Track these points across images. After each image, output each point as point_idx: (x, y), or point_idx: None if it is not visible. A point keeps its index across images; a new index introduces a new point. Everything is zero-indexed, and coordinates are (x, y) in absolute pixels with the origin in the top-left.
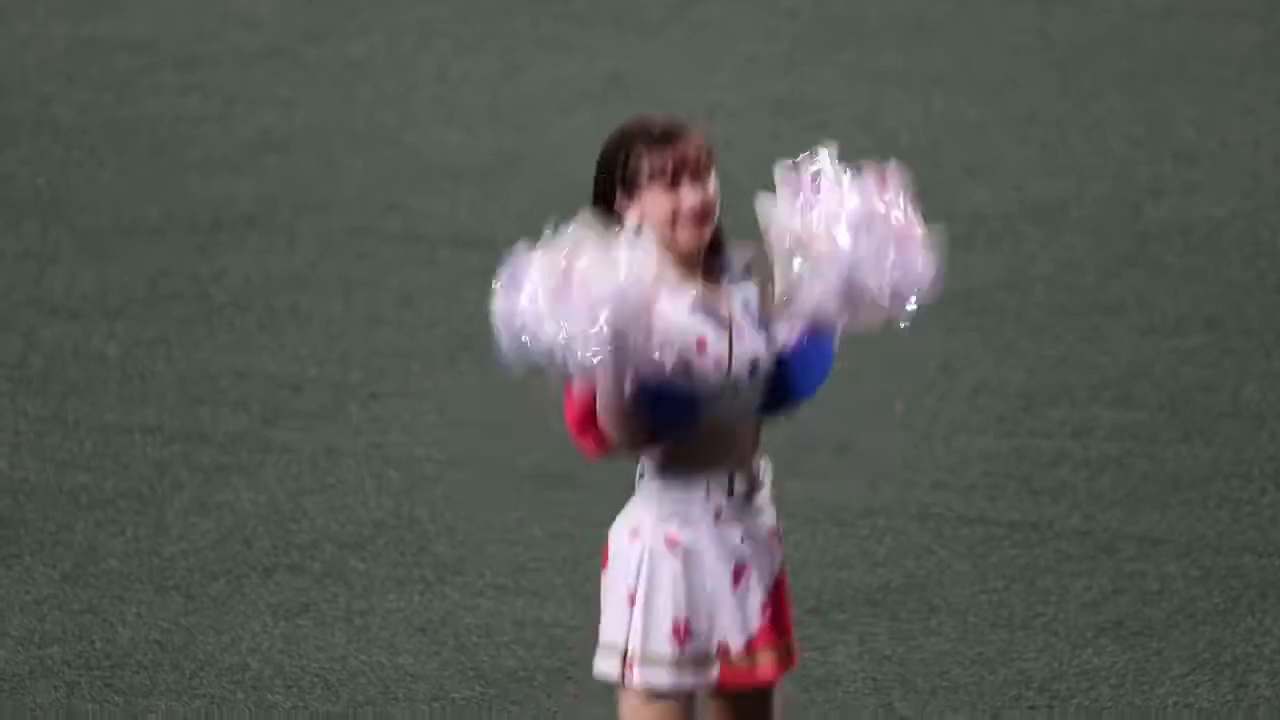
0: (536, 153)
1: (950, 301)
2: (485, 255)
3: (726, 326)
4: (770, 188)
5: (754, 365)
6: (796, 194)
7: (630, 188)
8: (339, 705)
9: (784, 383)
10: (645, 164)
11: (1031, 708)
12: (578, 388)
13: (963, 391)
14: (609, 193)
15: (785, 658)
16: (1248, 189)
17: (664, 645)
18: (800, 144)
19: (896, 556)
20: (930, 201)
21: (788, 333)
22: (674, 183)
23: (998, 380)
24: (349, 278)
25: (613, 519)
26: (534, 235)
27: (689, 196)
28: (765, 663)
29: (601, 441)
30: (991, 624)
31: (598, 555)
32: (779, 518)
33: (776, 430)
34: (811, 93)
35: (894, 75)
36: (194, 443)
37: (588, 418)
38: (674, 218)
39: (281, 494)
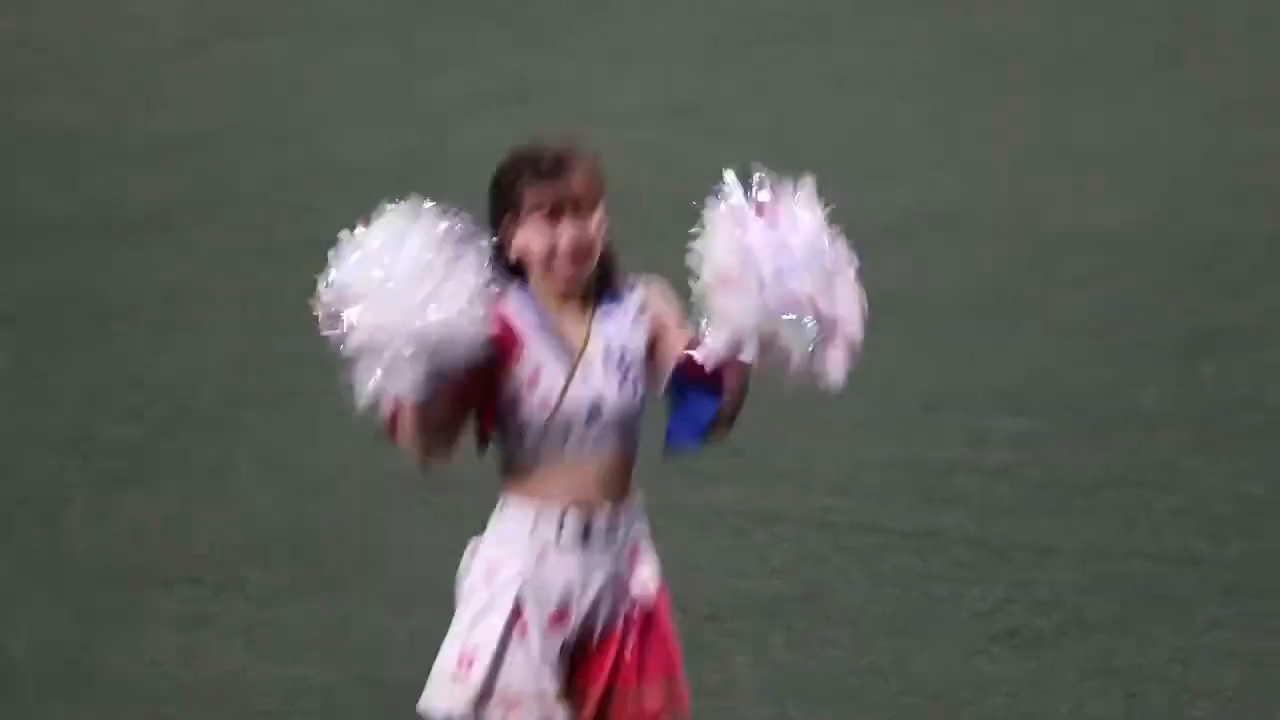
0: (443, 156)
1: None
2: None
3: (571, 361)
4: (673, 198)
5: (594, 408)
6: (730, 227)
7: (514, 214)
8: (237, 717)
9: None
10: (528, 196)
11: (926, 716)
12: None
13: (860, 397)
14: (499, 214)
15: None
16: (1145, 194)
17: (448, 670)
18: (703, 149)
19: (792, 564)
20: (828, 206)
21: (663, 380)
22: (554, 217)
23: (894, 386)
24: (247, 283)
25: None
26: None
27: (567, 232)
28: (562, 713)
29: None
30: (886, 632)
31: None
32: (638, 563)
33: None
34: (715, 97)
35: (796, 79)
36: (89, 451)
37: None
38: (550, 256)
39: (178, 504)
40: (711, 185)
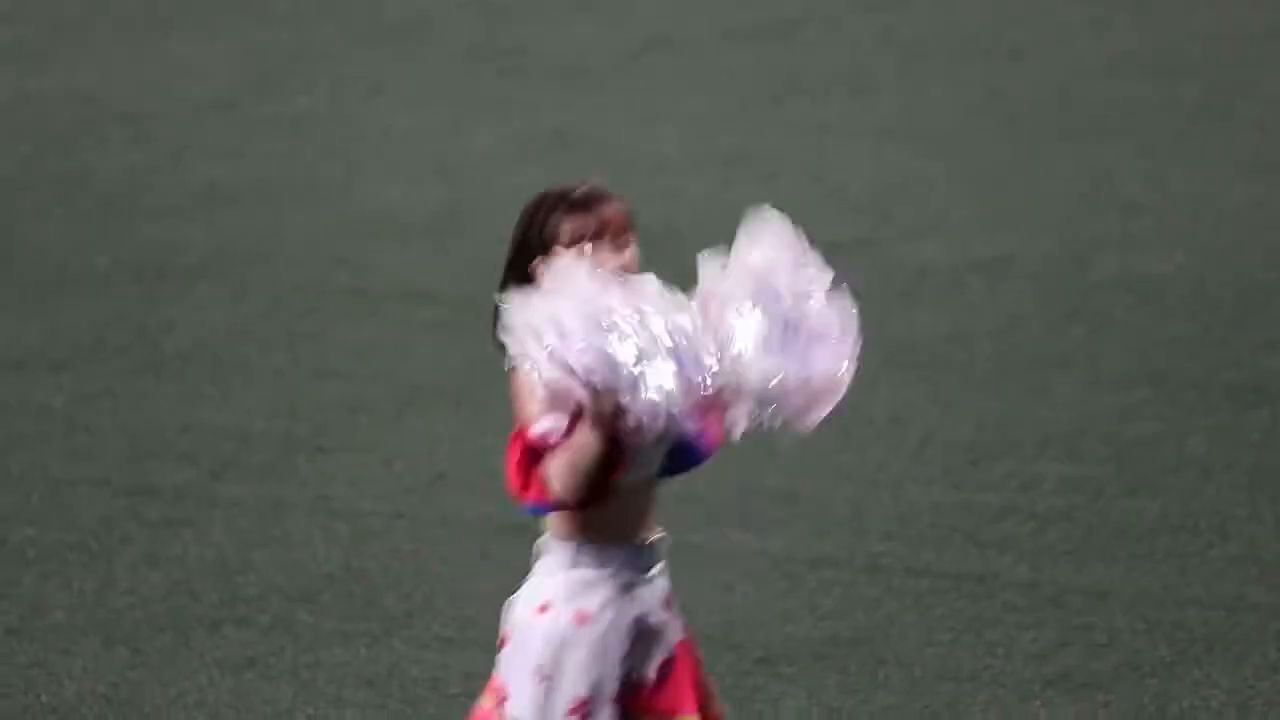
0: (482, 207)
1: (897, 354)
2: (432, 309)
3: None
4: (716, 243)
5: (657, 441)
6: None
7: (546, 253)
8: None
9: (684, 445)
10: (564, 228)
11: None
12: (541, 433)
13: (910, 444)
14: (525, 258)
15: None
16: (1192, 243)
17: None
18: (747, 198)
19: (844, 608)
20: (876, 255)
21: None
22: (593, 248)
23: (944, 433)
24: (296, 330)
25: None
26: (479, 289)
27: (608, 263)
28: None
29: (541, 494)
30: (938, 676)
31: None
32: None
33: (724, 481)
34: (758, 146)
35: (840, 129)
36: (141, 496)
37: (532, 468)
38: None
39: (229, 547)
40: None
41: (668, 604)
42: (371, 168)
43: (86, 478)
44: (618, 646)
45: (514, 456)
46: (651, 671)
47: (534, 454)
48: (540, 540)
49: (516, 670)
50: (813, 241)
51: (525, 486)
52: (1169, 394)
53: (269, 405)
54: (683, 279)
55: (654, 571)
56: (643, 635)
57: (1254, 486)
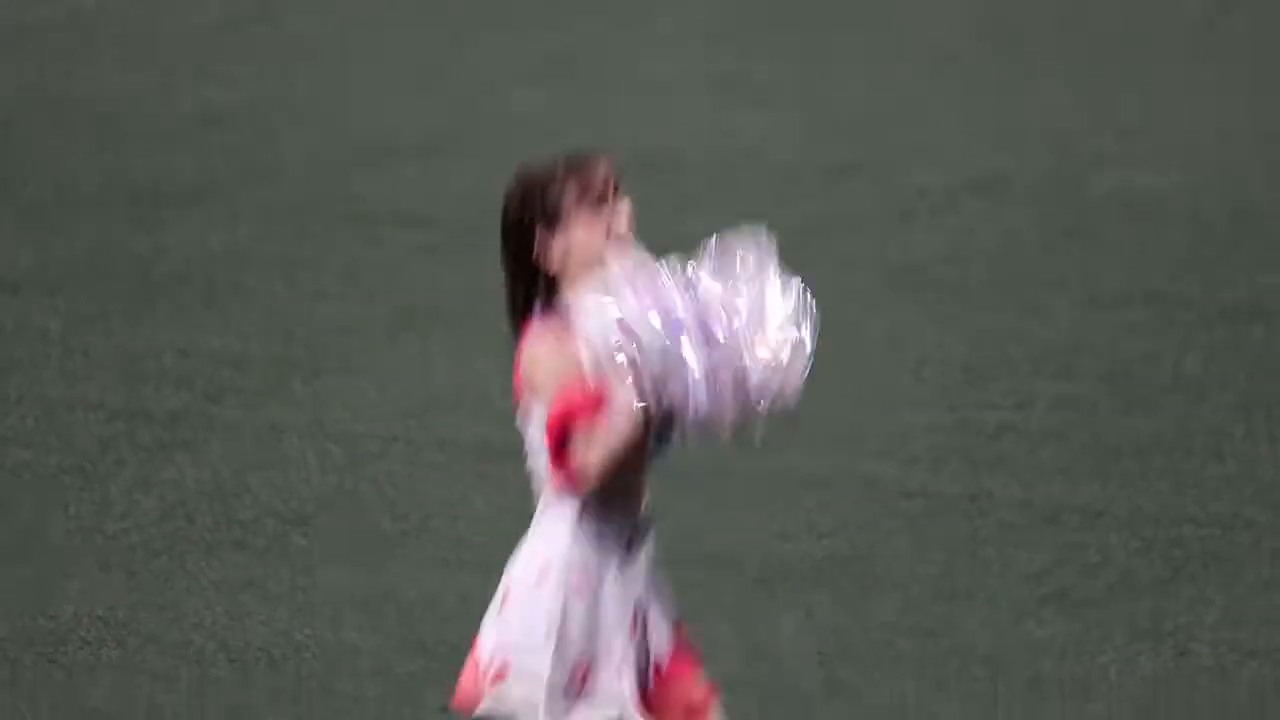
0: (479, 130)
1: (894, 276)
2: (427, 232)
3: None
4: (711, 168)
5: (668, 413)
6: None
7: (553, 220)
8: (283, 680)
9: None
10: (569, 194)
11: (974, 679)
12: (574, 406)
13: (907, 364)
14: (524, 239)
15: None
16: (1188, 163)
17: (566, 688)
18: (742, 121)
19: (841, 527)
20: (872, 178)
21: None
22: (600, 202)
23: (941, 353)
24: (290, 254)
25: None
26: (475, 213)
27: (618, 215)
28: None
29: (570, 475)
30: (934, 595)
31: None
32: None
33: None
34: (756, 70)
35: (837, 52)
36: (137, 419)
37: (568, 447)
38: (608, 233)
39: (224, 471)
40: (754, 153)
41: (653, 570)
42: (367, 91)
43: (82, 401)
44: (618, 617)
45: (555, 433)
46: (663, 638)
47: (567, 430)
48: (543, 496)
49: (520, 642)
50: (812, 164)
51: (561, 465)
52: (1165, 312)
53: (264, 329)
54: (679, 201)
55: (643, 541)
56: (645, 603)
57: (1249, 405)
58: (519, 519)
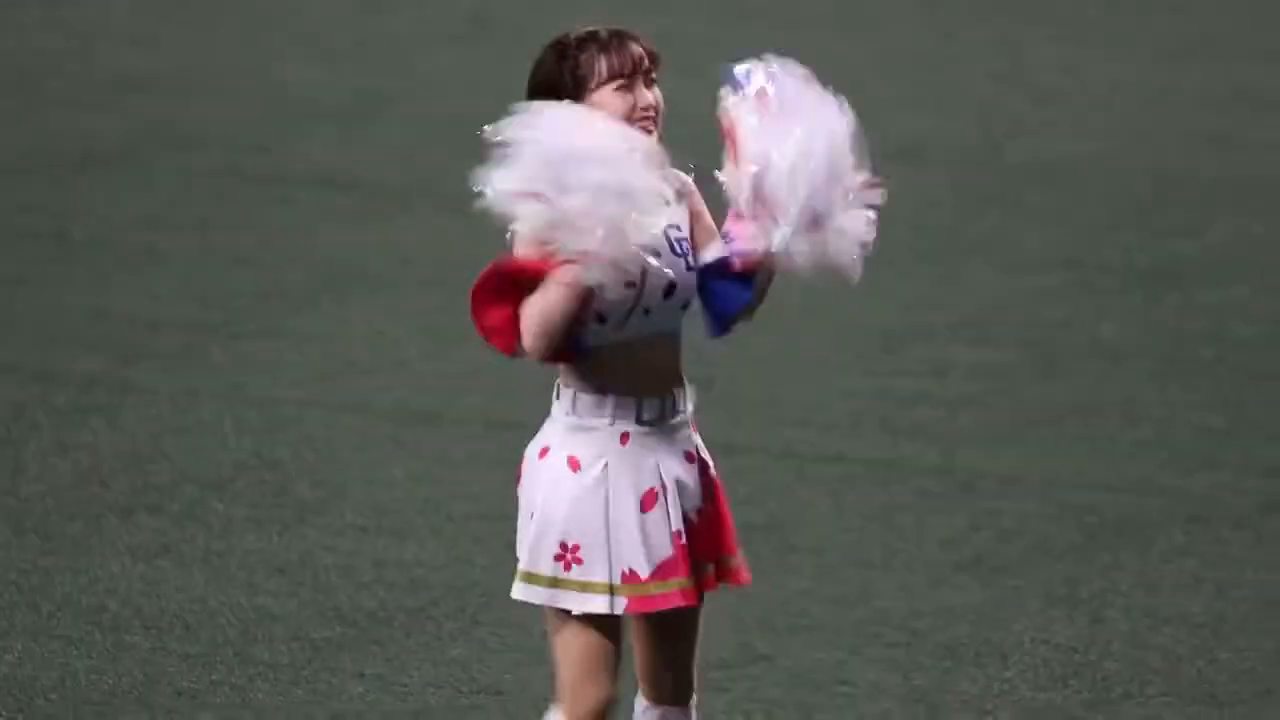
0: (399, 92)
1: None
2: (347, 195)
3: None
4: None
5: (670, 287)
6: (761, 103)
7: (579, 92)
8: (198, 646)
9: (704, 302)
10: (599, 65)
11: (890, 645)
12: (507, 272)
13: (825, 330)
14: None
15: (710, 581)
16: (1107, 129)
17: (547, 565)
18: (666, 85)
19: (757, 495)
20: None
21: (713, 253)
22: (629, 83)
23: (859, 319)
24: (209, 217)
25: (473, 459)
26: (394, 175)
27: (644, 95)
28: (675, 589)
29: (510, 345)
30: (850, 562)
31: (458, 496)
32: (705, 447)
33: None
34: (677, 31)
35: (757, 13)
36: (51, 383)
37: (505, 318)
38: (629, 117)
39: (141, 435)
40: (672, 111)
41: (689, 458)
42: (286, 52)
43: None
44: (613, 495)
45: (487, 285)
46: (679, 520)
47: (505, 286)
48: (556, 383)
49: (521, 509)
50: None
51: (490, 325)
52: (1081, 279)
53: (180, 292)
54: None
55: (671, 422)
56: (656, 485)
57: (1164, 372)
58: (436, 484)
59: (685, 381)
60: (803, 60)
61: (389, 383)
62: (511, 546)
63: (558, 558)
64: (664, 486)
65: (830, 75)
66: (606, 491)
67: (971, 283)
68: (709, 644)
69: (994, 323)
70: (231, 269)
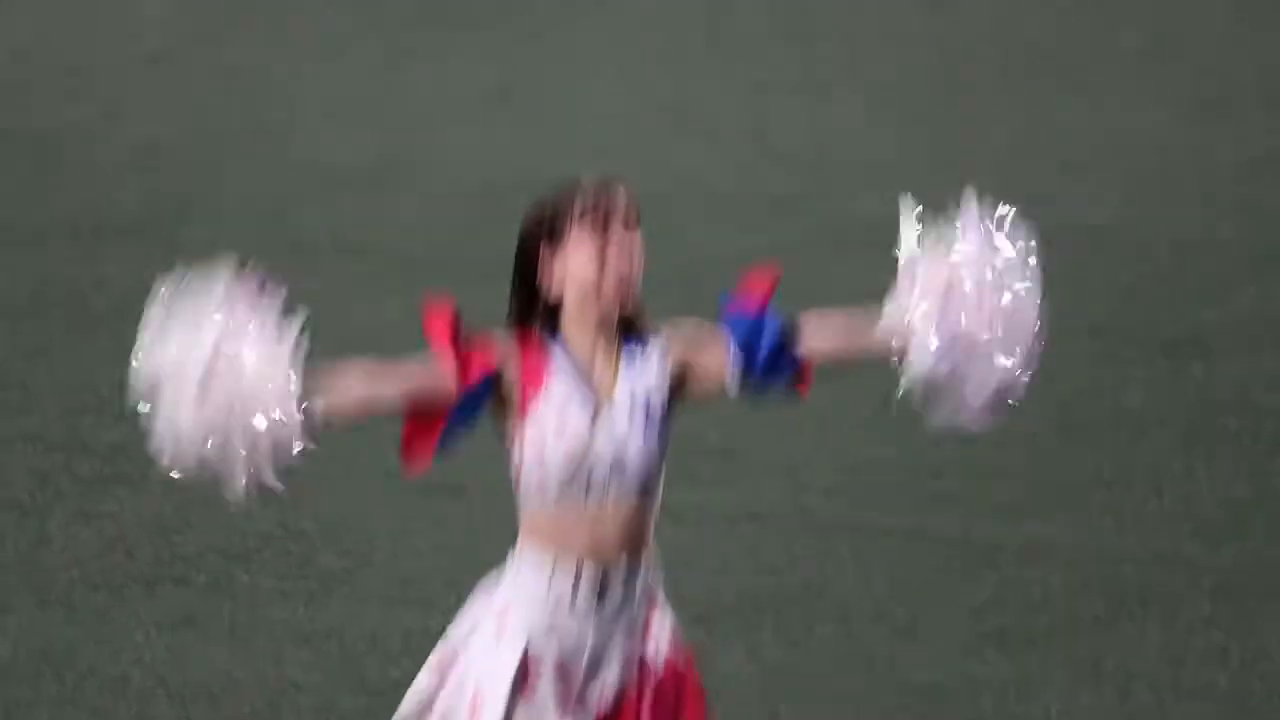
0: (420, 160)
1: (838, 306)
2: (369, 262)
3: (593, 410)
4: (655, 204)
5: (618, 460)
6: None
7: (556, 237)
8: (224, 718)
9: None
10: (574, 206)
11: (917, 716)
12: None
13: (850, 398)
14: (529, 258)
15: None
16: (1130, 193)
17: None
18: (686, 149)
19: (783, 563)
20: (814, 209)
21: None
22: (601, 231)
23: (883, 388)
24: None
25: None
26: (416, 243)
27: (620, 237)
28: None
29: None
30: (875, 631)
31: (484, 565)
32: (653, 623)
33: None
34: (699, 99)
35: (780, 82)
36: (76, 453)
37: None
38: (602, 259)
39: (165, 505)
40: (694, 184)
41: (635, 633)
42: (308, 121)
43: (20, 434)
44: (540, 660)
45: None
46: (599, 699)
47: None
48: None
49: (445, 645)
50: (754, 196)
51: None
52: (1106, 347)
53: None
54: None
55: (602, 593)
56: (587, 661)
57: (1188, 441)
58: (461, 556)
59: (647, 550)
60: (822, 126)
61: None
62: None
63: (469, 711)
64: (579, 666)
65: (851, 144)
66: (523, 656)
67: None
68: (736, 712)
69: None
70: None
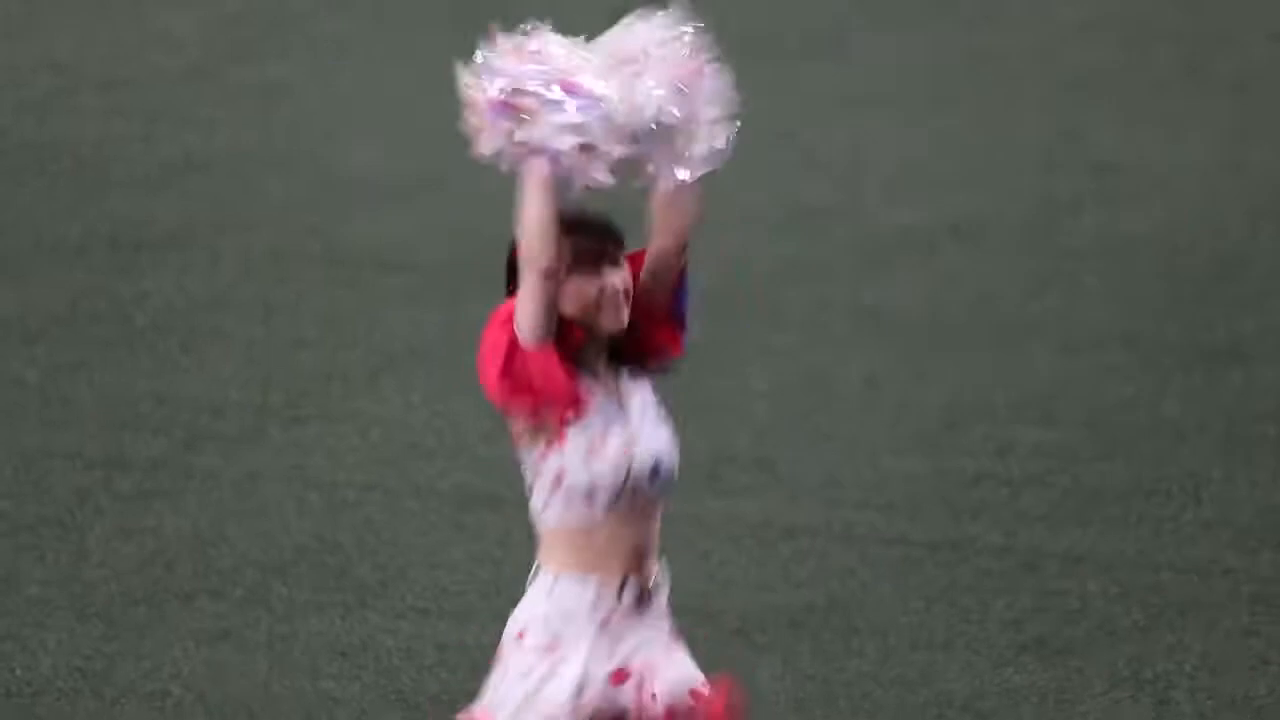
0: (456, 173)
1: (872, 320)
2: (407, 276)
3: (628, 422)
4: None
5: (656, 465)
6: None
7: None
8: None
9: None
10: (565, 250)
11: None
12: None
13: (885, 410)
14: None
15: None
16: (1165, 205)
17: None
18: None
19: (819, 576)
20: (849, 220)
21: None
22: (596, 266)
23: (919, 399)
24: (270, 300)
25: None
26: (453, 255)
27: (612, 278)
28: None
29: (510, 392)
30: (913, 644)
31: (520, 577)
32: (674, 648)
33: (697, 448)
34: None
35: (815, 93)
36: (115, 468)
37: (509, 355)
38: (599, 301)
39: (203, 519)
40: (723, 198)
41: (665, 636)
42: (344, 134)
43: (60, 450)
44: (585, 682)
45: (497, 347)
46: (641, 708)
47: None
48: (535, 564)
49: (500, 694)
50: (787, 206)
51: (502, 384)
52: (1143, 357)
53: (243, 375)
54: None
55: (639, 604)
56: (623, 667)
57: (1227, 450)
58: (497, 567)
59: (659, 560)
60: (860, 140)
61: (450, 465)
62: None
63: None
64: (642, 669)
65: (886, 155)
66: (585, 675)
67: (1032, 362)
68: None
69: (1056, 402)
70: (292, 351)
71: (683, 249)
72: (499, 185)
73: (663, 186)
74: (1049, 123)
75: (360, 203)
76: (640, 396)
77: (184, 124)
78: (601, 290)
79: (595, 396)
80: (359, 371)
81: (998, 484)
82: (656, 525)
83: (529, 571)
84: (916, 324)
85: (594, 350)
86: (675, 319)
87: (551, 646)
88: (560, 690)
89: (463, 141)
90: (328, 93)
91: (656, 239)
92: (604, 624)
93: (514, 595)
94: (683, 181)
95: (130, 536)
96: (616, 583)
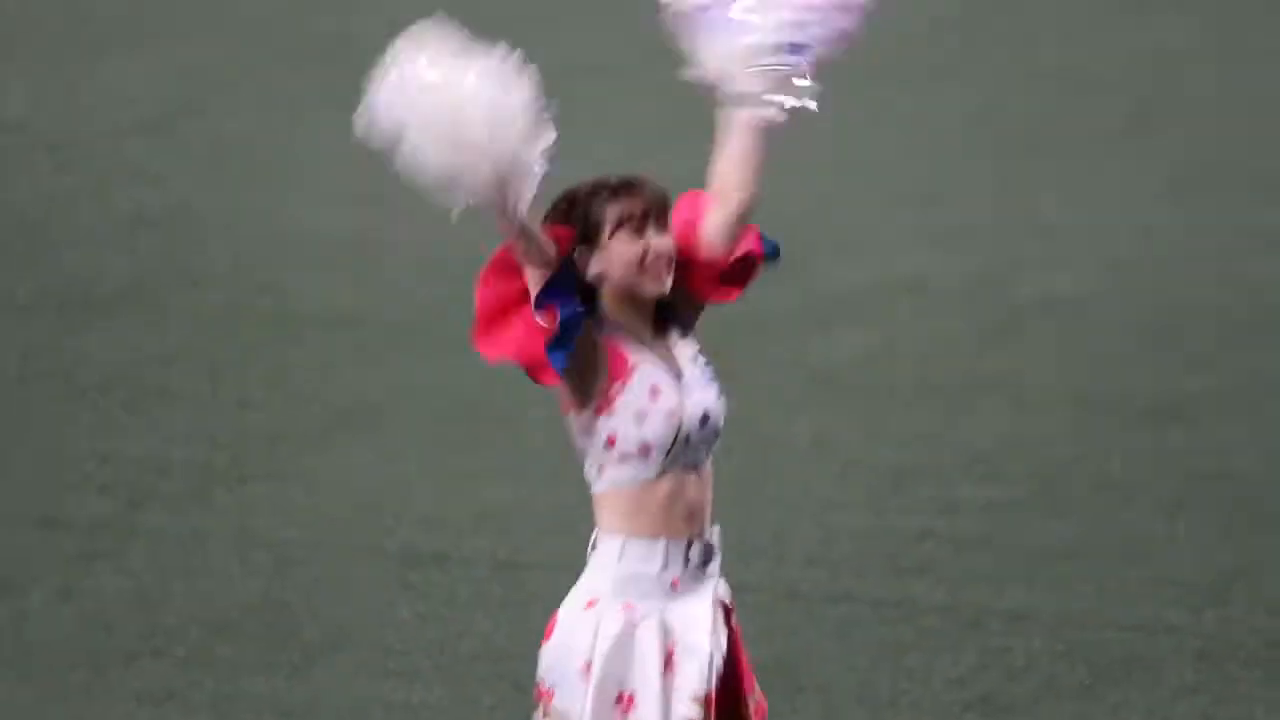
0: (406, 232)
1: (819, 378)
2: (355, 334)
3: (678, 378)
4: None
5: (705, 417)
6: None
7: (593, 240)
8: None
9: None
10: (611, 212)
11: None
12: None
13: (832, 468)
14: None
15: None
16: (1112, 263)
17: (611, 717)
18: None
19: (764, 635)
20: (798, 277)
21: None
22: (640, 229)
23: (866, 457)
24: (216, 358)
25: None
26: (402, 314)
27: (657, 241)
28: None
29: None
30: (858, 701)
31: (465, 636)
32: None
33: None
34: (686, 170)
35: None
36: (57, 528)
37: (493, 312)
38: (642, 263)
39: (147, 578)
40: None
41: (720, 611)
42: (295, 192)
43: (2, 509)
44: (651, 647)
45: (484, 298)
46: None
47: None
48: (593, 537)
49: (562, 665)
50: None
51: (487, 329)
52: (1089, 416)
53: (189, 434)
54: None
55: (711, 567)
56: (700, 622)
57: (1171, 509)
58: (444, 626)
59: (715, 521)
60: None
61: (396, 524)
62: (519, 688)
63: (618, 706)
64: (707, 627)
65: (835, 213)
66: (648, 643)
67: (979, 420)
68: None
69: (1001, 460)
70: (239, 410)
71: (751, 208)
72: (447, 247)
73: (768, 116)
74: (994, 180)
75: (310, 261)
76: (690, 351)
77: (133, 181)
78: (645, 252)
79: (643, 361)
80: (306, 431)
81: (943, 542)
82: (710, 483)
83: (477, 629)
84: (863, 382)
85: (639, 315)
86: (736, 273)
87: (628, 611)
88: (631, 660)
89: (408, 201)
90: (278, 150)
91: (726, 195)
92: (673, 588)
93: (459, 653)
94: (784, 115)
95: (72, 597)
96: (684, 543)
